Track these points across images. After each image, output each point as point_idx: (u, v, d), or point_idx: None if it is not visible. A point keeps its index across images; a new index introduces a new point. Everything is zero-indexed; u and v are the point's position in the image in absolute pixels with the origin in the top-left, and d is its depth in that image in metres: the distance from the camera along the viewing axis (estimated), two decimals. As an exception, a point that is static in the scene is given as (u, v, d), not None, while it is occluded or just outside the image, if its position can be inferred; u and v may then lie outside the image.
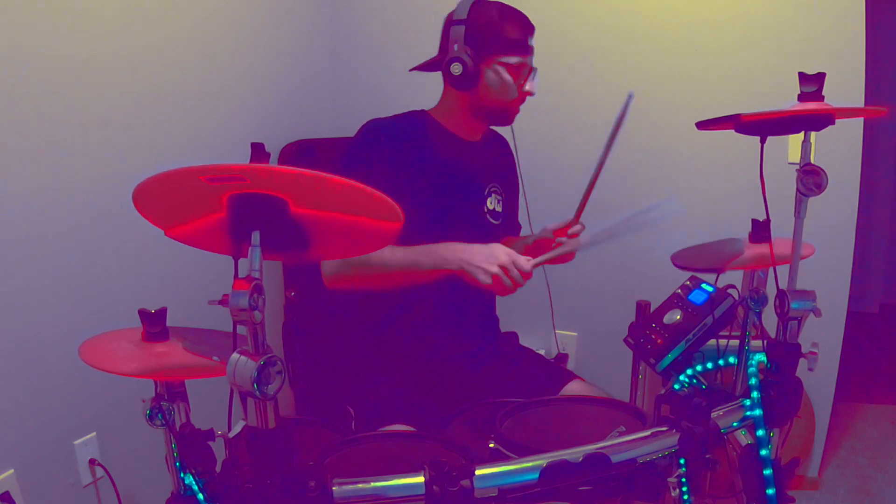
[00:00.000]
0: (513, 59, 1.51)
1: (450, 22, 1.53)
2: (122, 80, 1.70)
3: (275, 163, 1.94)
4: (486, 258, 1.39)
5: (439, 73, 1.57)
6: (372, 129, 1.58)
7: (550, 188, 2.17)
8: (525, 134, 1.74)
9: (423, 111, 1.65)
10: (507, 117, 1.60)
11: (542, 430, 1.21)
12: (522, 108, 1.59)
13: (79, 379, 1.57)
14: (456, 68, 1.51)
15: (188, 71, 1.90)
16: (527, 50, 1.53)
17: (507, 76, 1.52)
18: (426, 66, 1.59)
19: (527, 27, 1.53)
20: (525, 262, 1.39)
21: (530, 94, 1.56)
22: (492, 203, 1.68)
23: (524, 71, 1.54)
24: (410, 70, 1.60)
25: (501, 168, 1.75)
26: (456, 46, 1.51)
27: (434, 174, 1.58)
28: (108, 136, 1.68)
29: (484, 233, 1.65)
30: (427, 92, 1.63)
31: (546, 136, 2.27)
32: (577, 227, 1.54)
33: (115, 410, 1.67)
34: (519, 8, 1.56)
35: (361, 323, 1.68)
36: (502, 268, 1.37)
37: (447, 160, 1.60)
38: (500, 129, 1.72)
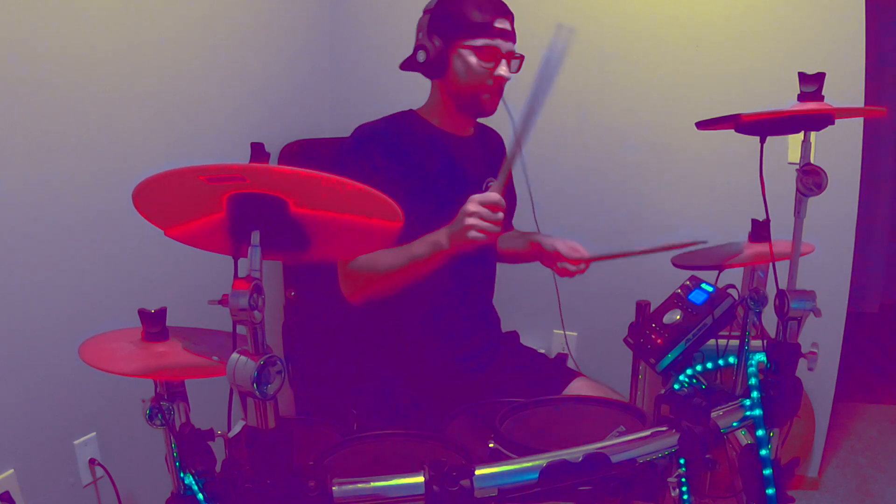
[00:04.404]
0: (478, 42, 1.48)
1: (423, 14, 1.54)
2: (122, 79, 1.70)
3: (275, 163, 1.95)
4: (459, 219, 1.34)
5: None
6: (363, 135, 1.58)
7: (551, 187, 2.17)
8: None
9: (411, 111, 1.64)
10: (482, 105, 1.54)
11: (542, 430, 1.21)
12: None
13: (79, 379, 1.57)
14: (420, 55, 1.52)
15: (188, 70, 1.90)
16: (492, 33, 1.48)
17: (472, 59, 1.49)
18: (407, 64, 1.58)
19: (492, 10, 1.49)
20: (488, 195, 1.33)
21: (504, 78, 1.50)
22: None
23: (495, 55, 1.49)
24: (401, 68, 1.60)
25: (497, 162, 1.68)
26: (421, 35, 1.53)
27: (427, 173, 1.57)
28: (108, 135, 1.68)
29: None
30: (426, 91, 1.63)
31: (546, 136, 2.26)
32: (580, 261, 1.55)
33: (115, 410, 1.67)
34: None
35: (362, 323, 1.68)
36: (474, 215, 1.32)
37: (439, 158, 1.59)
38: (497, 125, 1.70)
